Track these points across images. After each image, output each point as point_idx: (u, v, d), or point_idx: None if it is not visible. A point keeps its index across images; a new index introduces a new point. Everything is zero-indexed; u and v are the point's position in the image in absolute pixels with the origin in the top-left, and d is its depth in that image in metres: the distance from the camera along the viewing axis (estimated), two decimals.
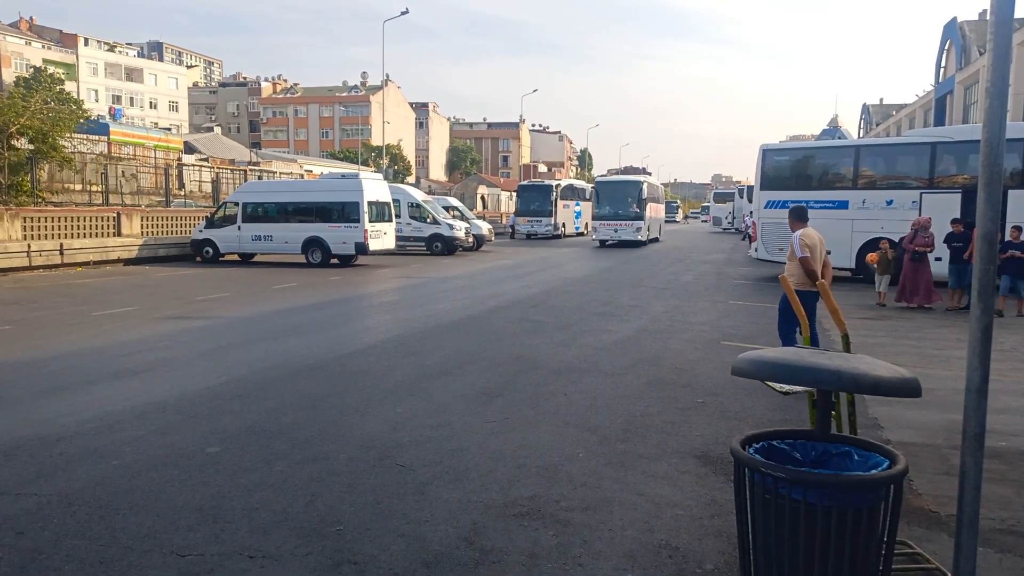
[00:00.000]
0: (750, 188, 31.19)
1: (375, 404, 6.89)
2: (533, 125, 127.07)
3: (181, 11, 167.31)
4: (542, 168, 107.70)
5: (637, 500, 4.62)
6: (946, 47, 43.37)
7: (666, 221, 52.66)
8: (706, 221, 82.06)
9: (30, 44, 75.94)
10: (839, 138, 39.75)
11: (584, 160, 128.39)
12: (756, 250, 19.69)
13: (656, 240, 39.97)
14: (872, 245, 16.59)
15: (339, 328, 11.40)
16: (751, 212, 22.53)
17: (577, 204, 45.61)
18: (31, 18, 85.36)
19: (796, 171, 19.38)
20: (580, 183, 50.90)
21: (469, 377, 8.03)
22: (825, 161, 19.36)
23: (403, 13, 41.90)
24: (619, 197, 35.36)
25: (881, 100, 66.76)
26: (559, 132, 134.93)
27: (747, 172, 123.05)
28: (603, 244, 35.76)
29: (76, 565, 3.74)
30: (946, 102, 41.29)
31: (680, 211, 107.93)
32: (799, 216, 8.33)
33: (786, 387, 6.88)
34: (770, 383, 6.72)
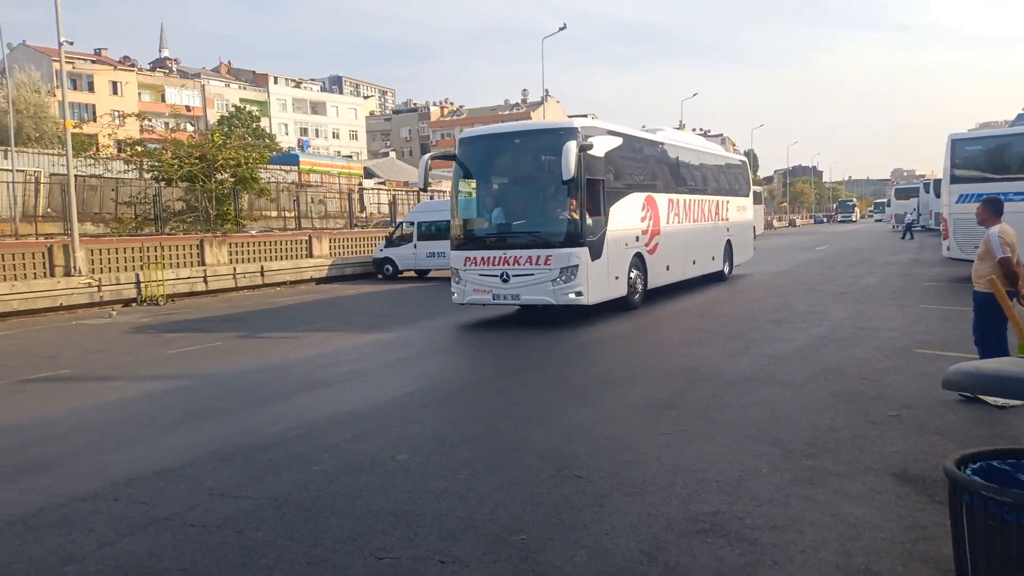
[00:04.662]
0: (937, 182, 28.50)
1: (548, 415, 7.00)
2: (694, 129, 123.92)
3: (356, 46, 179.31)
4: None
5: (830, 520, 4.38)
6: None
7: (840, 220, 47.71)
8: (880, 220, 76.06)
9: (228, 86, 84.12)
10: None
11: (749, 162, 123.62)
12: (948, 248, 18.06)
13: (720, 277, 19.52)
14: None
15: (503, 343, 11.68)
16: (913, 210, 20.88)
17: None
18: (228, 62, 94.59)
19: (989, 161, 17.61)
20: None
21: (638, 388, 7.97)
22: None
23: (561, 29, 42.36)
24: (513, 180, 13.56)
25: None
26: (721, 135, 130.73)
27: (931, 166, 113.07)
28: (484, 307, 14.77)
29: (287, 565, 4.09)
30: None
31: (856, 210, 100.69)
32: (995, 209, 7.34)
33: (1002, 400, 6.26)
34: (983, 396, 6.14)
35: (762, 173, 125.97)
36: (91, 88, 68.55)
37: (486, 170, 13.44)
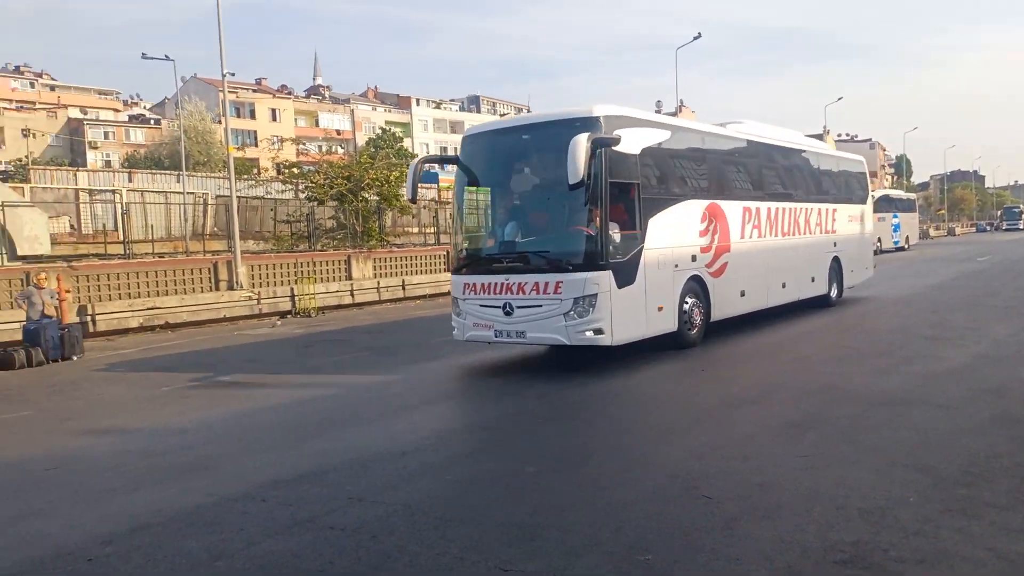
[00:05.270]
0: None
1: (677, 432, 6.86)
2: (839, 135, 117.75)
3: (491, 65, 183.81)
4: None
5: (985, 556, 4.03)
6: None
7: (1006, 228, 44.01)
8: None
9: (375, 109, 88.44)
10: None
11: (901, 167, 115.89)
12: None
13: (825, 302, 16.03)
14: None
15: (619, 360, 11.51)
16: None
17: (895, 216, 41.33)
18: (375, 87, 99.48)
19: None
20: (898, 192, 46.57)
21: (775, 407, 7.65)
22: None
23: (696, 38, 41.33)
24: (520, 186, 10.91)
25: None
26: (870, 140, 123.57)
27: None
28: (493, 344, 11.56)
29: (416, 571, 4.23)
30: None
31: None
32: None
33: None
34: None
35: (916, 179, 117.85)
36: (252, 115, 74.12)
37: (490, 175, 11.11)
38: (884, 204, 40.79)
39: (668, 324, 10.84)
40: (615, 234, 9.84)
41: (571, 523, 4.76)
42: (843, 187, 17.72)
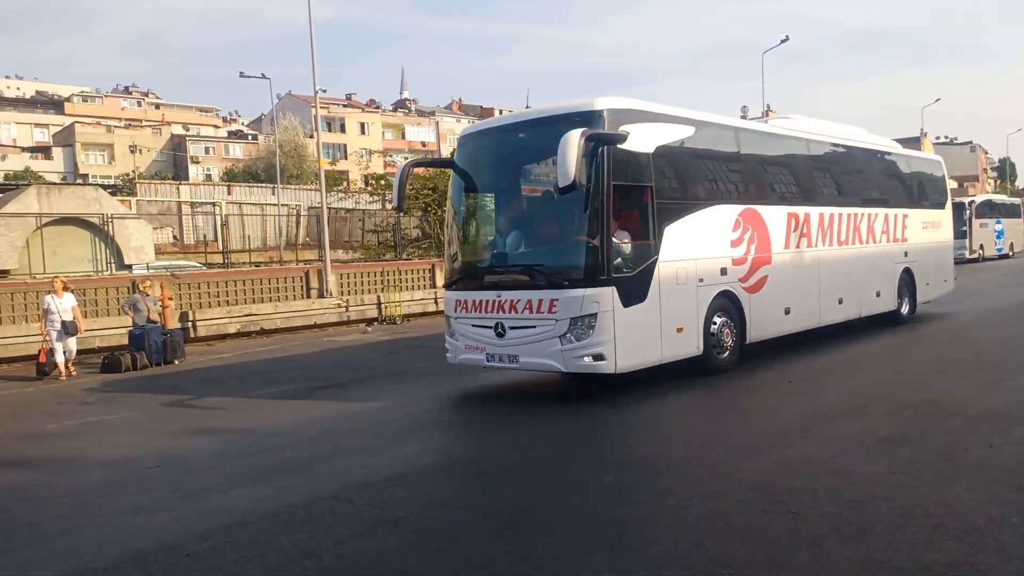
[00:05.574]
0: None
1: (764, 445, 6.70)
2: (937, 138, 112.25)
3: (571, 75, 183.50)
4: (951, 184, 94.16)
5: None
6: None
7: None
8: None
9: (459, 121, 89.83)
10: None
11: (1004, 171, 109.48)
12: None
13: (894, 319, 14.33)
14: None
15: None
16: None
17: (997, 222, 39.00)
18: (460, 99, 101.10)
19: None
20: (1001, 197, 43.97)
21: (869, 421, 7.37)
22: None
23: (783, 41, 40.21)
24: (516, 190, 10.11)
25: None
26: (970, 142, 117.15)
27: None
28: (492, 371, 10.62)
29: (484, 573, 4.31)
30: None
31: None
32: None
33: None
34: None
35: (1020, 183, 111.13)
36: (343, 129, 76.54)
37: (483, 178, 10.06)
38: (986, 209, 38.69)
39: (690, 347, 9.51)
40: (622, 244, 8.73)
41: (652, 535, 4.73)
42: (916, 190, 15.90)
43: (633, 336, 8.63)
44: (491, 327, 8.99)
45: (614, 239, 8.54)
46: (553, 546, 4.63)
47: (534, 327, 8.65)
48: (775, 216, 11.29)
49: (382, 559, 4.59)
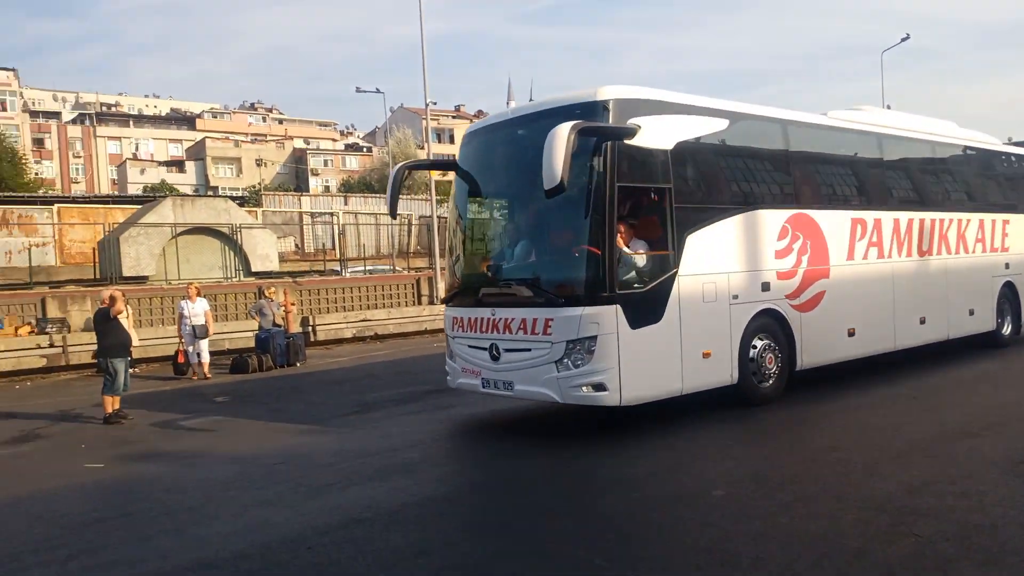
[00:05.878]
0: None
1: (885, 463, 6.39)
2: None
3: (681, 78, 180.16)
4: None
5: None
6: None
7: None
8: None
9: None
10: None
11: None
12: None
13: (993, 340, 12.62)
14: None
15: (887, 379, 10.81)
16: None
17: None
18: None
19: None
20: None
21: (1003, 440, 6.90)
22: None
23: (904, 39, 38.02)
24: (516, 194, 8.76)
25: None
26: None
27: None
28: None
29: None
30: None
31: None
32: None
33: None
34: None
35: None
36: (452, 140, 78.08)
37: (483, 181, 8.94)
38: None
39: (721, 375, 8.26)
40: (631, 256, 7.63)
41: (764, 552, 4.61)
42: (1021, 193, 13.85)
43: (643, 363, 7.49)
44: (486, 349, 8.11)
45: (620, 249, 7.46)
46: (661, 558, 4.60)
47: (529, 350, 7.69)
48: (835, 222, 9.85)
49: (493, 561, 4.70)
